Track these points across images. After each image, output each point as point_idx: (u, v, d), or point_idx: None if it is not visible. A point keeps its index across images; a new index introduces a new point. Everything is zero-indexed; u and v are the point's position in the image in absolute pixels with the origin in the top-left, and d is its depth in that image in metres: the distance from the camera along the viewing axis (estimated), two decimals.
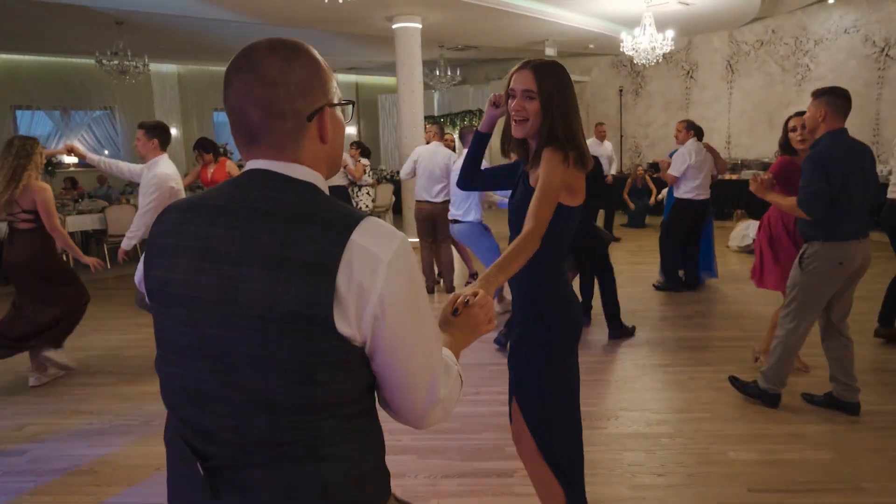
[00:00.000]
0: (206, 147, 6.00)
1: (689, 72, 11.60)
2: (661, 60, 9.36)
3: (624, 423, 3.35)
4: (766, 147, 10.69)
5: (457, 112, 13.26)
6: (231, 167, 5.99)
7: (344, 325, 0.86)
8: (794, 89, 10.37)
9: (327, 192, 0.98)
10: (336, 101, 1.00)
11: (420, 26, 8.57)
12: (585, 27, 9.74)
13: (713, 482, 2.78)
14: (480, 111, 13.02)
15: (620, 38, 8.99)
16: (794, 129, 3.66)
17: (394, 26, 8.52)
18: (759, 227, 4.02)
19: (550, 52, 10.70)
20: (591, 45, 11.40)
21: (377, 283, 0.86)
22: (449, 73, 11.44)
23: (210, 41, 10.01)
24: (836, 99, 3.08)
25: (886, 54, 9.40)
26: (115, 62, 8.40)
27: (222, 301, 0.89)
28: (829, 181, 3.02)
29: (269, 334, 0.86)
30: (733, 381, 3.65)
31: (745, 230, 8.20)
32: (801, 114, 3.59)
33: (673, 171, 5.78)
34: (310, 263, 0.85)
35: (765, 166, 10.45)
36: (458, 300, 1.26)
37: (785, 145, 3.76)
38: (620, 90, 12.39)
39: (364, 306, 0.86)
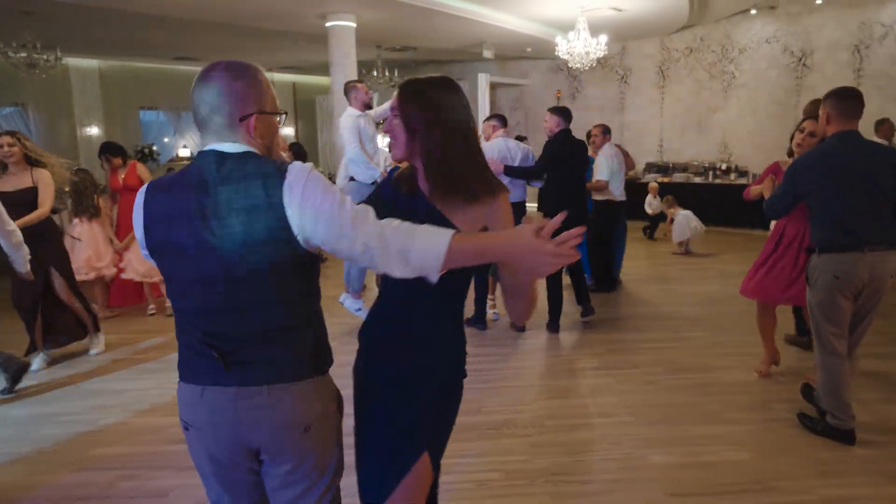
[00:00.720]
0: (112, 151, 5.65)
1: (623, 77, 11.85)
2: (595, 65, 9.51)
3: (549, 430, 3.30)
4: (695, 151, 11.03)
5: None
6: (142, 170, 5.62)
7: (297, 233, 1.33)
8: (721, 95, 10.74)
9: (261, 153, 1.44)
10: (267, 111, 1.44)
11: (354, 25, 8.39)
12: (522, 30, 9.79)
13: (635, 488, 2.76)
14: None
15: (556, 42, 9.08)
16: (801, 131, 3.51)
17: (327, 24, 8.31)
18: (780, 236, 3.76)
19: (488, 54, 10.71)
20: (529, 49, 11.48)
21: (298, 197, 1.32)
22: (387, 74, 11.28)
23: (134, 36, 9.50)
24: (840, 101, 2.94)
25: (803, 64, 9.86)
26: (23, 55, 7.81)
27: (217, 245, 1.33)
28: (803, 186, 2.97)
29: (254, 256, 1.33)
30: (801, 417, 3.29)
31: (685, 224, 8.09)
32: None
33: (602, 176, 5.84)
34: (267, 206, 1.32)
35: (696, 170, 10.78)
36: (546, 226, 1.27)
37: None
38: (558, 94, 12.55)
39: (295, 214, 1.32)
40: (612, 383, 3.90)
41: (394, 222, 1.32)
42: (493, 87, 12.64)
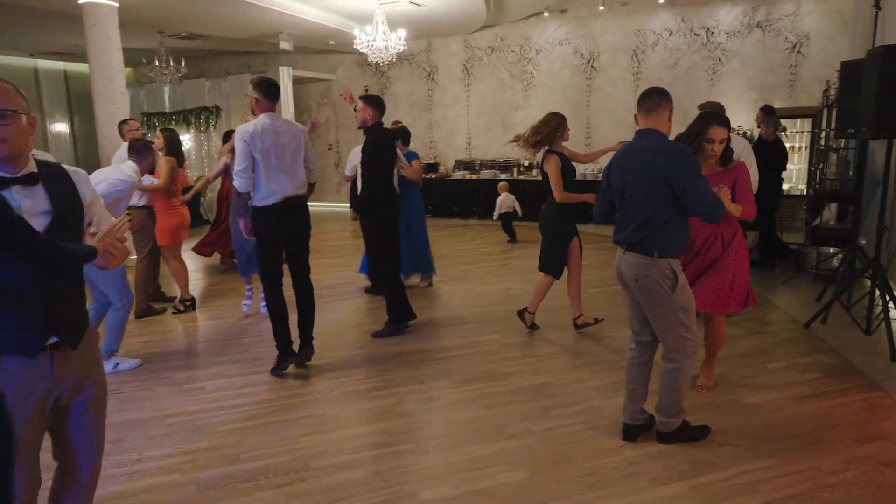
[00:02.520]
0: None
1: (430, 74, 11.81)
2: (395, 60, 9.33)
3: (313, 474, 2.85)
4: (500, 148, 11.30)
5: (191, 108, 11.81)
6: None
7: None
8: (522, 94, 11.12)
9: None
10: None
11: (116, 4, 7.23)
12: (320, 21, 9.24)
13: None
14: (217, 107, 11.75)
15: (354, 35, 8.68)
16: (711, 142, 3.20)
17: (80, 1, 7.05)
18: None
19: (285, 45, 10.00)
20: (332, 42, 10.95)
21: None
22: (172, 63, 10.04)
23: None
24: (641, 98, 2.88)
25: (592, 66, 10.52)
26: None
27: None
28: (610, 185, 2.99)
29: None
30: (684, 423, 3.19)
31: None
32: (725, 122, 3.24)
33: (347, 171, 5.92)
34: None
35: (500, 167, 11.05)
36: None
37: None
38: (366, 90, 12.17)
39: None
40: (393, 405, 3.56)
41: None
42: (299, 81, 11.92)
